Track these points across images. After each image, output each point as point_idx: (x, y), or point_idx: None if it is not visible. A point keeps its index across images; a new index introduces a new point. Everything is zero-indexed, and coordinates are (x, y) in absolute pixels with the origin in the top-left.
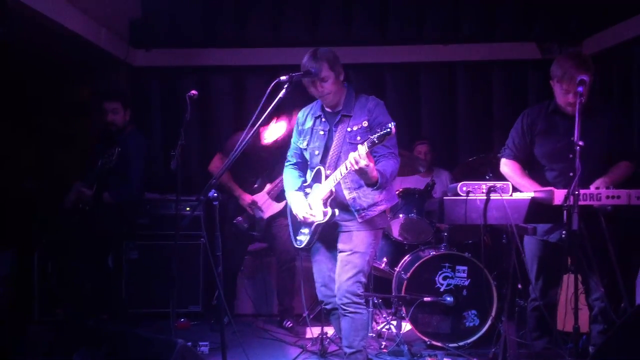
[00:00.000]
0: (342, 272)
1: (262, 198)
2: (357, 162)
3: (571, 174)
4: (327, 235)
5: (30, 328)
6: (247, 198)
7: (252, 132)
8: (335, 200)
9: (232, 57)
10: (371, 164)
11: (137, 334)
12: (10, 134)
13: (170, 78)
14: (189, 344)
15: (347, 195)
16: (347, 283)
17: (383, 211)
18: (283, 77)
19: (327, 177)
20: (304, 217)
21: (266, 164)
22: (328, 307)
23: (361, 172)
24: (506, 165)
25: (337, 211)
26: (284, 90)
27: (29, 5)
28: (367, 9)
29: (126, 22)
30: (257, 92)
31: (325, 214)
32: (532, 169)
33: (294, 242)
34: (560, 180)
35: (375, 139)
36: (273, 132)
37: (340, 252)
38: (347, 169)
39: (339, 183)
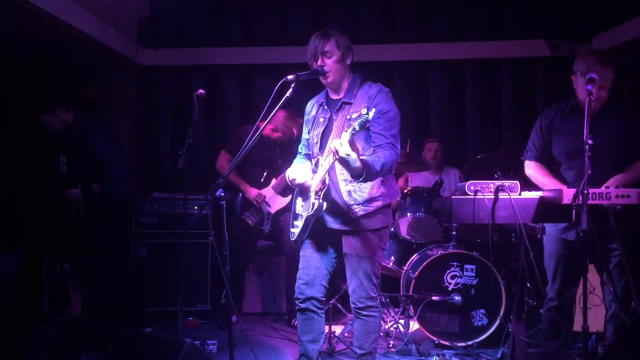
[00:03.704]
0: (353, 277)
1: (268, 192)
2: (336, 152)
3: (590, 172)
4: (321, 235)
5: (39, 326)
6: (253, 192)
7: (257, 133)
8: (328, 192)
9: (240, 56)
10: (353, 154)
11: (144, 334)
12: (17, 135)
13: (178, 77)
14: (197, 342)
15: (343, 187)
16: (360, 288)
17: (383, 207)
18: (290, 76)
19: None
20: (304, 181)
21: (271, 158)
22: (302, 305)
23: (342, 162)
24: (529, 167)
25: (324, 204)
26: (290, 90)
27: (37, 5)
28: (374, 7)
29: (135, 21)
30: (265, 91)
31: (312, 205)
32: (552, 168)
33: (290, 234)
34: (579, 179)
35: (356, 126)
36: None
37: (347, 256)
38: (333, 159)
39: (335, 174)
